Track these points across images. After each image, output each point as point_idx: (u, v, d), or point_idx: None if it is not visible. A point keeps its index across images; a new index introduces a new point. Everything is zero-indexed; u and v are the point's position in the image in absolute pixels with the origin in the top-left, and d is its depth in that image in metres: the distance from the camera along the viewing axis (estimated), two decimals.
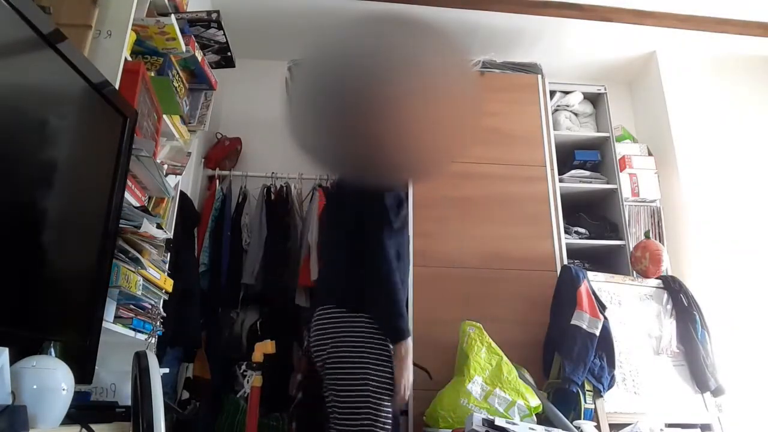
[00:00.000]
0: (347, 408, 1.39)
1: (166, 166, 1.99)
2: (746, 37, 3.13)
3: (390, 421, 1.39)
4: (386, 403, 1.39)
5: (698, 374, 2.40)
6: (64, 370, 1.00)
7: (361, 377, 1.39)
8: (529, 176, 2.69)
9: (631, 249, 2.74)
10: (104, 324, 1.33)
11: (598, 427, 2.12)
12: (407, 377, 1.40)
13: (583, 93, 3.11)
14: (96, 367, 1.27)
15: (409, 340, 1.43)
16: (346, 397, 1.40)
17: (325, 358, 1.45)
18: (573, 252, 2.80)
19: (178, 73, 2.11)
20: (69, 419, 1.02)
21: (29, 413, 0.88)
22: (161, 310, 1.76)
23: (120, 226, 1.41)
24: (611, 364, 2.26)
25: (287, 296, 2.71)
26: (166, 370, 1.79)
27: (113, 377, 1.58)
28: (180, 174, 2.12)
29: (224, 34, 2.30)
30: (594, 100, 3.18)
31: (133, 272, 1.50)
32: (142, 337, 1.64)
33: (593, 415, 2.17)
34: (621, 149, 3.07)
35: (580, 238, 2.81)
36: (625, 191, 2.95)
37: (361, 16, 1.26)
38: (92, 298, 1.26)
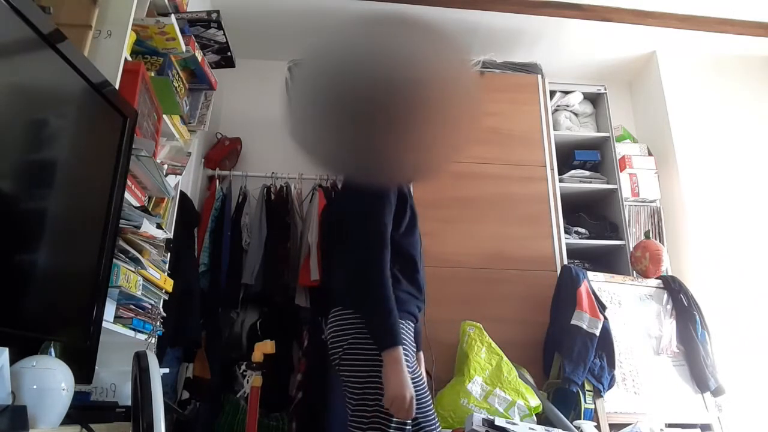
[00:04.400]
0: (359, 408, 1.37)
1: (166, 166, 1.99)
2: (746, 37, 3.14)
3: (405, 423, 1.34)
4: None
5: (698, 374, 2.40)
6: (64, 370, 1.00)
7: (370, 379, 1.35)
8: (529, 176, 2.69)
9: (631, 249, 2.74)
10: (104, 324, 1.33)
11: (598, 427, 2.12)
12: (391, 389, 1.28)
13: (583, 93, 3.11)
14: (96, 367, 1.27)
15: (396, 350, 1.30)
16: (359, 398, 1.38)
17: (341, 355, 1.44)
18: (573, 252, 2.80)
19: (178, 73, 2.11)
20: (69, 419, 1.02)
21: (29, 413, 0.89)
22: (161, 310, 1.76)
23: (120, 226, 1.41)
24: (611, 364, 2.26)
25: (287, 296, 2.71)
26: (166, 370, 1.80)
27: (113, 377, 1.58)
28: (180, 174, 2.12)
29: (224, 34, 2.30)
30: (594, 100, 3.18)
31: (133, 272, 1.50)
32: (142, 337, 1.64)
33: (593, 415, 2.17)
34: (621, 149, 3.07)
35: (580, 238, 2.81)
36: (625, 191, 2.95)
37: (361, 16, 1.26)
38: (92, 298, 1.26)
